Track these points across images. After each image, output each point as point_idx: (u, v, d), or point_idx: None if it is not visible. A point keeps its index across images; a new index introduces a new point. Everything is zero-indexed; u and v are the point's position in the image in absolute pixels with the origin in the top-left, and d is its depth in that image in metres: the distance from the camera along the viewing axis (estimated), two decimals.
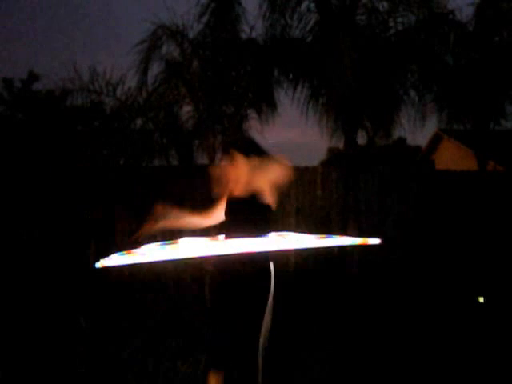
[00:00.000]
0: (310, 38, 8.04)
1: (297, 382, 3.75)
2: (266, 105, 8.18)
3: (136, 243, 2.86)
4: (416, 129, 8.25)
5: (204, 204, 3.31)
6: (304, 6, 7.92)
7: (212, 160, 7.81)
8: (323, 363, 4.01)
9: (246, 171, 2.91)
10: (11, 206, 7.30)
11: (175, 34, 7.76)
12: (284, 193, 8.06)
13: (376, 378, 3.82)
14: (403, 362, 4.07)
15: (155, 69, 7.92)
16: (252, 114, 8.20)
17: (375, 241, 2.80)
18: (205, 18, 7.77)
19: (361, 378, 3.82)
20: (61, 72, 7.58)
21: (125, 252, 2.67)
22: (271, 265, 2.87)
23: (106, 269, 2.69)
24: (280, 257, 2.83)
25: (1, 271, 6.67)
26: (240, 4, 7.86)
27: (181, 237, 2.95)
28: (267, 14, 7.85)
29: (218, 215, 3.14)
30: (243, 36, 8.02)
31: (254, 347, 2.73)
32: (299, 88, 8.10)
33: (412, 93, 8.17)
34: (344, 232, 7.73)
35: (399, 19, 7.93)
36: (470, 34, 7.98)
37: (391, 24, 7.96)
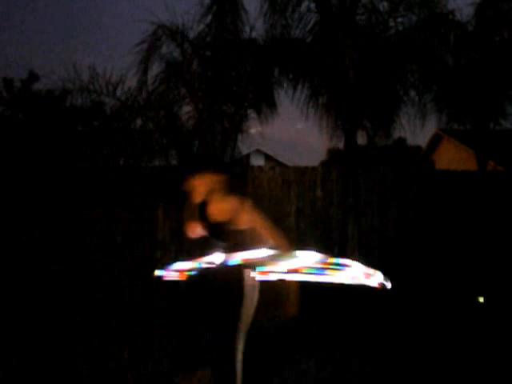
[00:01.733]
0: (310, 38, 8.04)
1: (297, 382, 3.75)
2: (266, 105, 8.18)
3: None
4: (416, 129, 8.24)
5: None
6: (304, 5, 7.93)
7: None
8: (323, 364, 4.01)
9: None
10: (11, 205, 7.30)
11: (175, 34, 7.76)
12: (284, 193, 8.00)
13: (376, 378, 3.81)
14: (403, 362, 4.07)
15: (155, 69, 7.92)
16: (252, 114, 8.21)
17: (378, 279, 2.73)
18: (207, 19, 7.78)
19: (360, 378, 3.82)
20: (61, 72, 7.57)
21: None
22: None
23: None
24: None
25: (1, 271, 6.67)
26: (242, 6, 7.87)
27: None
28: (268, 14, 7.85)
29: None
30: (243, 36, 8.02)
31: (229, 345, 2.71)
32: (299, 88, 8.10)
33: (412, 93, 8.17)
34: (344, 232, 7.74)
35: (399, 19, 7.94)
36: (470, 34, 7.97)
37: (391, 24, 7.96)
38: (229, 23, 7.77)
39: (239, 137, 8.10)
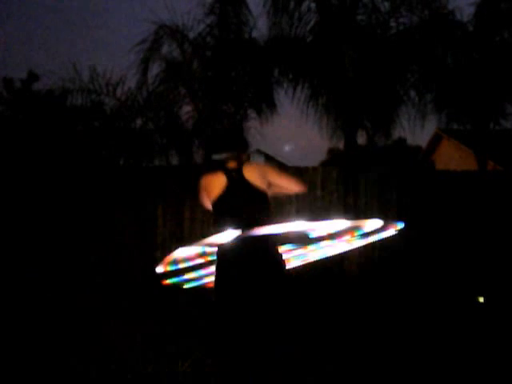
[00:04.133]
0: (310, 38, 8.04)
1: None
2: (266, 105, 8.19)
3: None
4: (416, 129, 8.26)
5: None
6: (305, 5, 7.94)
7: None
8: (320, 364, 4.01)
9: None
10: (11, 205, 7.29)
11: (175, 33, 7.77)
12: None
13: (376, 379, 3.81)
14: (403, 362, 4.07)
15: (155, 69, 7.95)
16: (252, 113, 8.21)
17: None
18: (209, 19, 7.80)
19: (360, 378, 3.82)
20: (61, 72, 7.59)
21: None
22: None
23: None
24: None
25: (1, 271, 6.67)
26: (246, 6, 7.88)
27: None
28: (271, 12, 7.85)
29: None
30: (244, 36, 8.04)
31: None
32: (299, 88, 8.11)
33: (412, 93, 8.18)
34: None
35: (400, 19, 7.95)
36: (470, 34, 7.98)
37: (392, 24, 7.97)
38: (231, 23, 7.79)
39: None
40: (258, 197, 2.80)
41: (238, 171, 2.83)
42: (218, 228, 2.72)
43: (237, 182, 2.80)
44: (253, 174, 2.81)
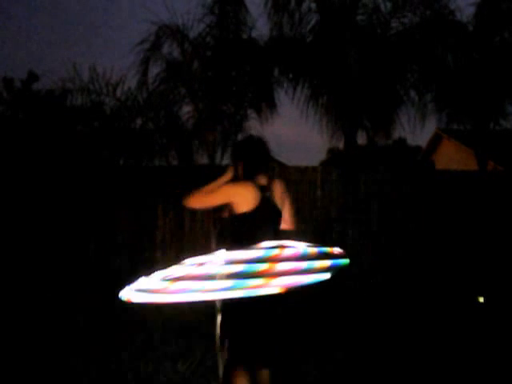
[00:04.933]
0: (310, 38, 8.05)
1: None
2: (266, 105, 8.18)
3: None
4: (416, 129, 8.25)
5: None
6: (305, 5, 7.94)
7: (212, 160, 7.82)
8: (320, 366, 4.01)
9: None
10: (11, 206, 7.30)
11: (176, 33, 7.78)
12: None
13: (376, 378, 3.81)
14: (403, 363, 4.07)
15: (155, 69, 7.94)
16: (252, 114, 8.21)
17: None
18: (209, 19, 7.80)
19: (360, 379, 3.82)
20: (61, 72, 7.60)
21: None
22: None
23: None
24: None
25: (1, 271, 6.67)
26: (245, 6, 7.89)
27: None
28: (271, 14, 7.86)
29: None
30: (244, 36, 8.03)
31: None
32: (299, 88, 8.11)
33: (412, 93, 8.18)
34: (344, 232, 7.74)
35: (401, 20, 7.94)
36: (470, 34, 7.98)
37: (393, 24, 7.97)
38: (231, 23, 7.79)
39: (239, 137, 8.11)
40: (278, 218, 2.89)
41: (269, 189, 2.88)
42: (236, 242, 2.69)
43: (267, 201, 2.83)
44: (278, 195, 2.90)
